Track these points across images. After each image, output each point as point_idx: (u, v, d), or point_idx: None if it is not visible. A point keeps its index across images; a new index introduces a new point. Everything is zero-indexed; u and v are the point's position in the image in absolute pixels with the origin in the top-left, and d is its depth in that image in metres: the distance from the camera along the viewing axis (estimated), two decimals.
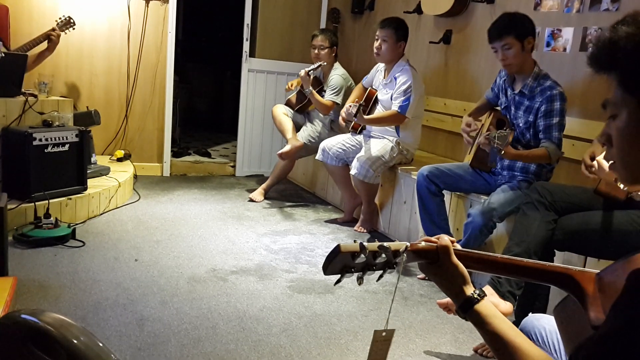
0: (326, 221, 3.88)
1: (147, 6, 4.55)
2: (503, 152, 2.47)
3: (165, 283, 2.61)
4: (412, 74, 3.50)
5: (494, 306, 2.15)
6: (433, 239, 1.04)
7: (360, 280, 0.96)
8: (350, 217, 3.91)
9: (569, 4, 3.09)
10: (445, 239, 1.02)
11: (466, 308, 0.98)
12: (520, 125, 2.69)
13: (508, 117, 2.80)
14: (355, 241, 0.95)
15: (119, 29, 4.50)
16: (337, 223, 3.86)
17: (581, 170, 2.17)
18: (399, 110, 3.48)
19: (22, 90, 3.37)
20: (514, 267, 1.05)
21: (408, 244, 1.00)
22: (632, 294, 0.72)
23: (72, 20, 3.85)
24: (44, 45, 3.75)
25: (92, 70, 4.48)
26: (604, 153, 1.99)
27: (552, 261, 2.30)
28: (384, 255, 0.96)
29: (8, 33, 3.96)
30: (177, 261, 2.89)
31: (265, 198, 4.32)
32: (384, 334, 1.02)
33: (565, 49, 3.12)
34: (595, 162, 2.07)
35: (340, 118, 3.62)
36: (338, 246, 0.92)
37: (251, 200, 4.24)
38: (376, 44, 3.56)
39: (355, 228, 3.74)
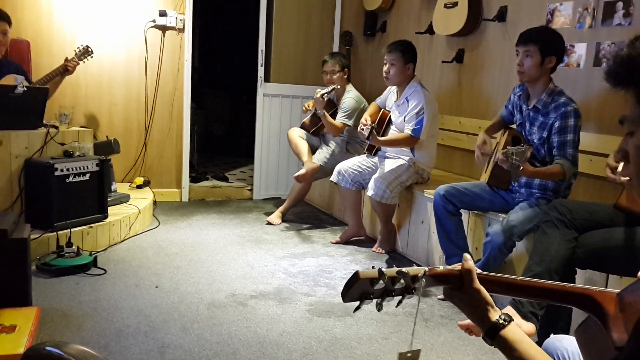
0: (344, 243, 3.87)
1: (164, 36, 4.66)
2: (521, 167, 2.44)
3: (185, 309, 2.63)
4: (423, 95, 3.51)
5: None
6: (456, 265, 1.04)
7: (379, 307, 0.95)
8: (344, 241, 3.86)
9: (581, 19, 3.10)
10: (469, 262, 1.01)
11: (493, 334, 0.97)
12: (535, 141, 2.68)
13: (523, 133, 2.80)
14: (373, 267, 0.95)
15: (137, 58, 4.60)
16: (332, 243, 3.84)
17: (606, 173, 2.13)
18: (412, 134, 3.49)
19: (44, 122, 3.45)
20: (533, 289, 1.04)
21: (427, 268, 0.99)
22: None
23: (89, 49, 3.95)
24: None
25: (111, 100, 4.58)
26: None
27: (574, 279, 2.28)
28: (402, 281, 0.95)
29: (30, 66, 4.08)
30: (197, 287, 2.91)
31: (283, 221, 4.34)
32: (409, 355, 1.01)
33: (578, 65, 3.11)
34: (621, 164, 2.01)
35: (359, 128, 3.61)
36: (356, 273, 0.92)
37: (269, 223, 4.26)
38: (385, 67, 3.60)
39: (373, 249, 3.73)
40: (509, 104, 2.92)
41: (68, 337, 2.26)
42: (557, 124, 2.56)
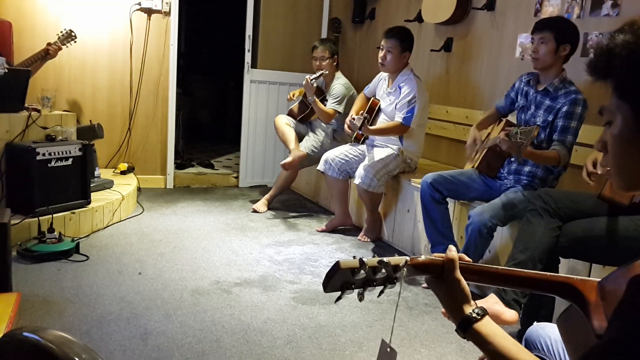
0: (330, 231, 3.86)
1: (149, 19, 4.58)
2: (526, 146, 2.38)
3: (169, 296, 2.61)
4: (416, 83, 3.50)
5: (499, 314, 2.13)
6: (441, 254, 1.03)
7: (361, 297, 0.95)
8: (330, 230, 3.86)
9: (570, 9, 3.10)
10: (453, 253, 1.01)
11: (465, 327, 0.96)
12: (538, 124, 2.68)
13: (524, 118, 2.78)
14: (354, 257, 0.94)
15: (121, 42, 4.53)
16: (318, 231, 3.83)
17: (582, 176, 2.17)
18: (402, 122, 3.48)
19: (25, 105, 3.39)
20: (515, 278, 1.04)
21: (408, 258, 0.99)
22: (633, 300, 0.72)
23: (73, 34, 3.87)
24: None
25: (95, 84, 4.50)
26: None
27: (557, 268, 2.29)
28: (384, 271, 0.94)
29: (11, 49, 3.99)
30: (181, 274, 2.89)
31: (269, 209, 4.32)
32: (388, 349, 1.02)
33: None
34: (598, 167, 2.07)
35: (345, 126, 3.63)
36: (337, 263, 0.92)
37: (254, 211, 4.24)
38: (381, 54, 3.56)
39: (359, 237, 3.73)
40: (512, 91, 2.90)
41: (49, 323, 2.24)
42: (564, 109, 2.57)
